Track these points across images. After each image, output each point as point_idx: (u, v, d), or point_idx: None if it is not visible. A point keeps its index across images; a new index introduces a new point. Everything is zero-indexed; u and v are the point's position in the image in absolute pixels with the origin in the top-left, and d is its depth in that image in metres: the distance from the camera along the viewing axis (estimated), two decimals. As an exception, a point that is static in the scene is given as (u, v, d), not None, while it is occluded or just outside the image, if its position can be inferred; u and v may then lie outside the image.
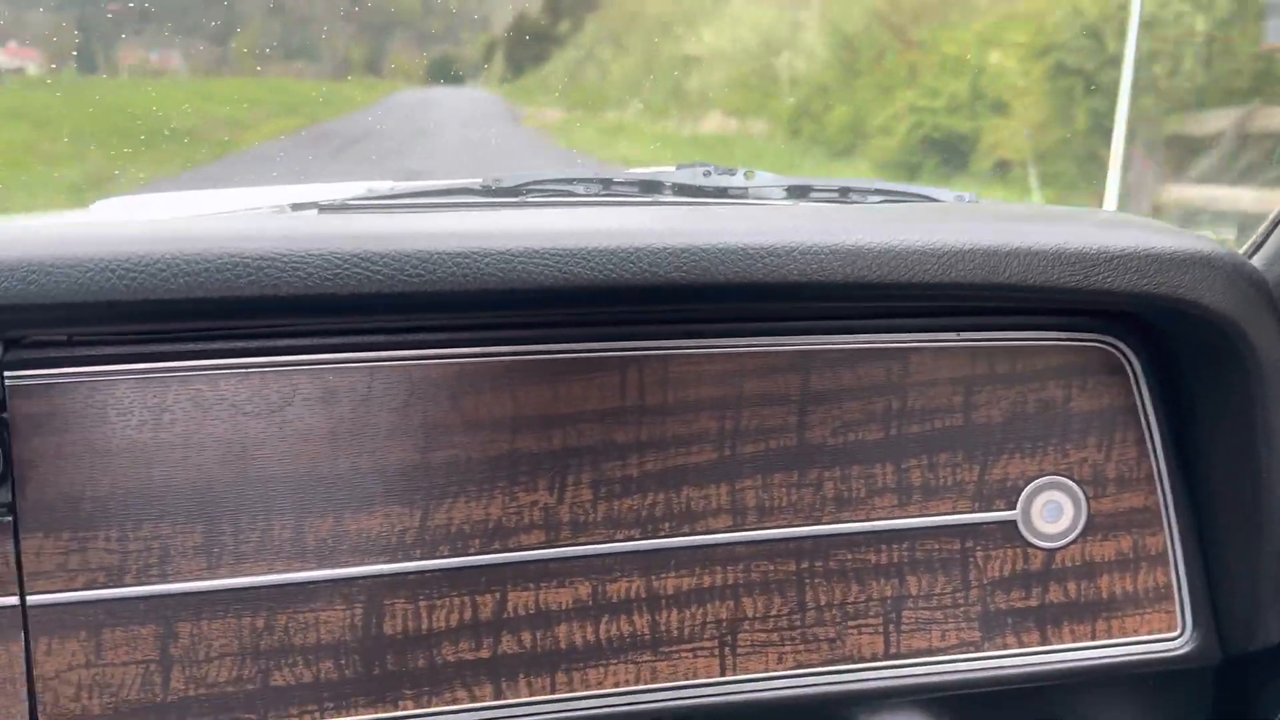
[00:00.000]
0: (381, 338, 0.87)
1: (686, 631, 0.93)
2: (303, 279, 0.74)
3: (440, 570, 0.89)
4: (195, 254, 0.73)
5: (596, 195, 1.17)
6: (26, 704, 0.83)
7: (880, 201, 1.19)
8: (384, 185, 1.25)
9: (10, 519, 0.82)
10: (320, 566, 0.87)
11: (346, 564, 0.87)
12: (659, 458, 0.91)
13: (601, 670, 0.91)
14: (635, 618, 0.92)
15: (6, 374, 0.82)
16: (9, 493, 0.82)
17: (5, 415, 0.82)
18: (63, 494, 0.83)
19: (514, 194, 1.16)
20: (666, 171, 1.22)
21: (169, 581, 0.85)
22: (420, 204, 1.14)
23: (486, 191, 1.17)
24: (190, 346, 0.84)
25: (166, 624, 0.85)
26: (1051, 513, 0.98)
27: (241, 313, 0.76)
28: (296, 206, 1.21)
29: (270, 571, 0.86)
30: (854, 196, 1.19)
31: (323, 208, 1.16)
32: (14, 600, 0.83)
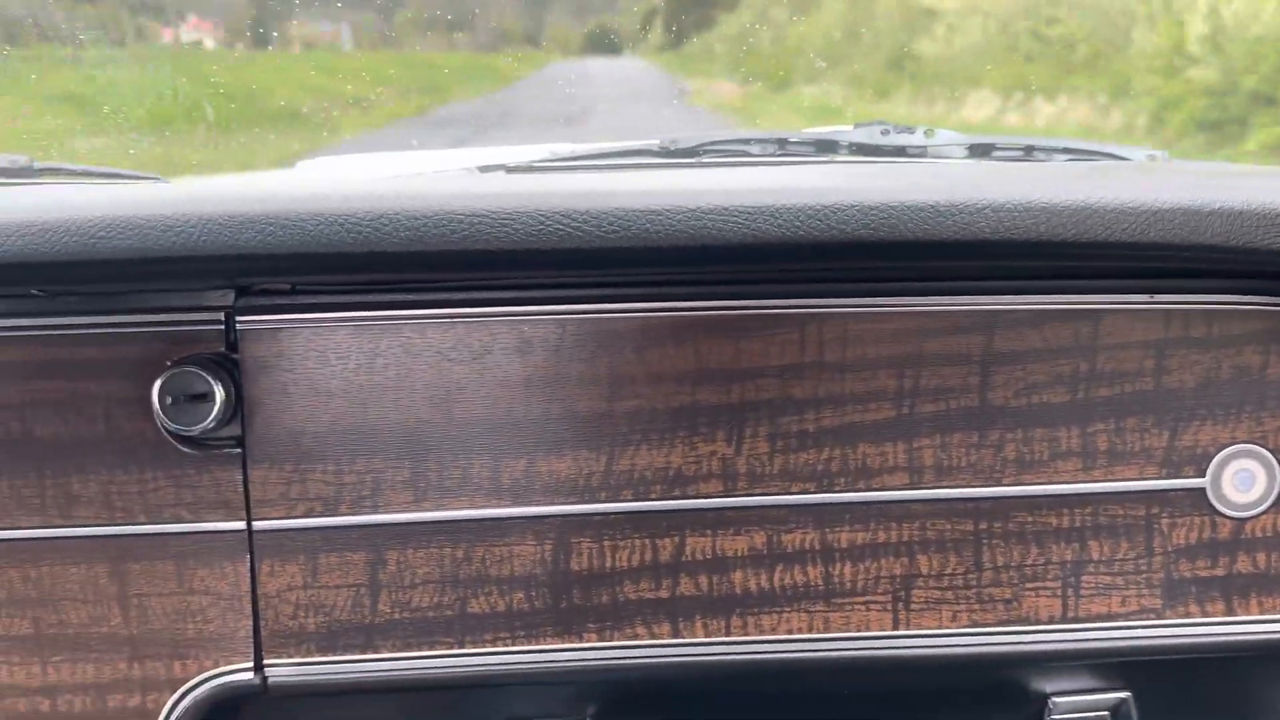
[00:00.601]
0: (573, 291, 0.91)
1: (860, 584, 0.94)
2: (510, 234, 0.79)
3: (623, 513, 0.93)
4: (415, 210, 0.78)
5: (772, 155, 1.19)
6: (251, 619, 0.92)
7: (1067, 160, 1.16)
8: (565, 148, 1.30)
9: (239, 451, 0.91)
10: (514, 504, 0.92)
11: (538, 503, 0.92)
12: (836, 414, 0.93)
13: (775, 617, 0.94)
14: (809, 568, 0.94)
15: (238, 319, 0.90)
16: (239, 427, 0.91)
17: (236, 357, 0.90)
18: (286, 430, 0.91)
19: (691, 155, 1.19)
20: (843, 130, 1.22)
21: (379, 512, 0.92)
22: (601, 165, 1.18)
23: (664, 153, 1.20)
24: (401, 297, 0.90)
25: (376, 551, 0.92)
26: (1243, 481, 0.95)
27: (452, 265, 0.81)
28: (484, 168, 1.27)
29: (469, 507, 0.92)
30: (1039, 155, 1.17)
31: (510, 169, 1.21)
32: (242, 525, 0.91)
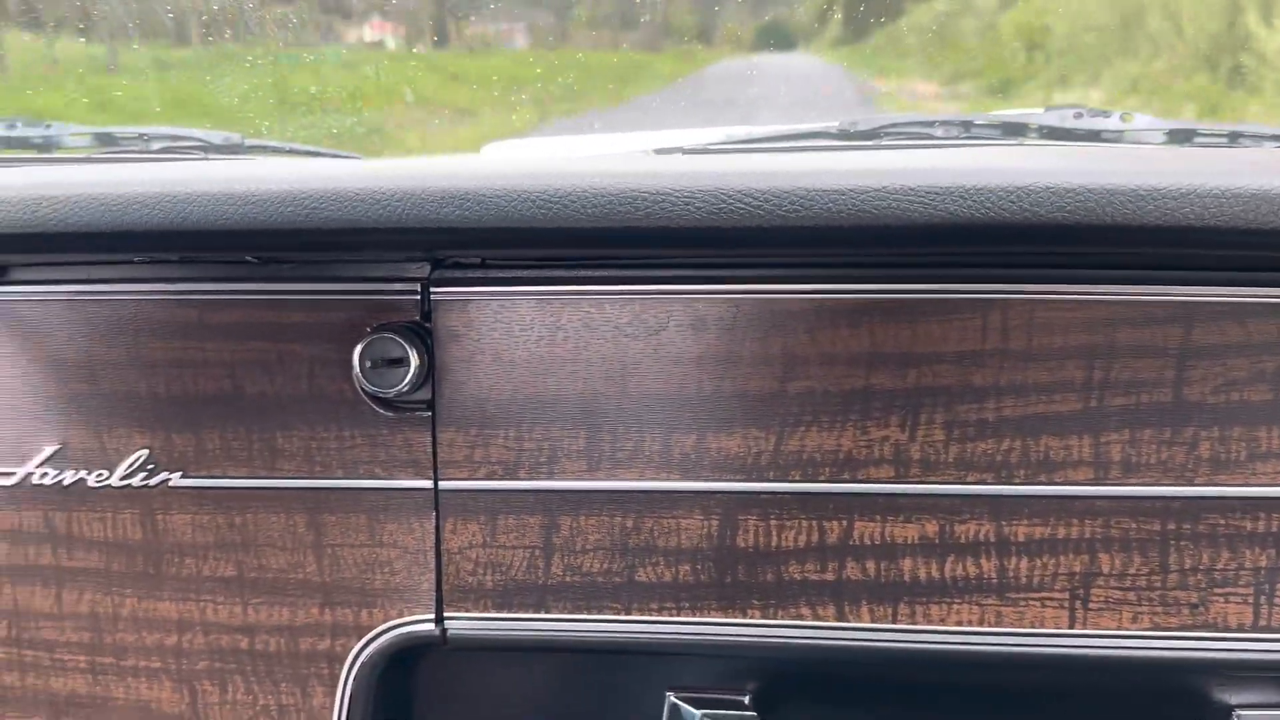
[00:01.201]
0: (748, 271, 0.92)
1: (1036, 580, 0.92)
2: (693, 213, 0.80)
3: (791, 493, 0.93)
4: (602, 188, 0.81)
5: (957, 138, 1.16)
6: (434, 574, 0.97)
7: (1276, 147, 1.09)
8: (741, 130, 1.31)
9: (429, 414, 0.96)
10: (684, 478, 0.94)
11: (706, 478, 0.94)
12: (1018, 404, 0.90)
13: (945, 607, 0.93)
14: (983, 561, 0.92)
15: (433, 290, 0.95)
16: (429, 392, 0.96)
17: (429, 325, 0.95)
18: (472, 396, 0.95)
19: (871, 137, 1.17)
20: (1033, 114, 1.18)
21: (554, 479, 0.95)
22: (778, 147, 1.18)
23: (843, 135, 1.19)
24: (582, 273, 0.93)
25: (550, 516, 0.96)
26: None
27: (635, 242, 0.83)
28: (660, 151, 1.29)
29: (640, 479, 0.94)
30: (1245, 141, 1.10)
31: (687, 151, 1.23)
32: (429, 484, 0.97)
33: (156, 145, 1.37)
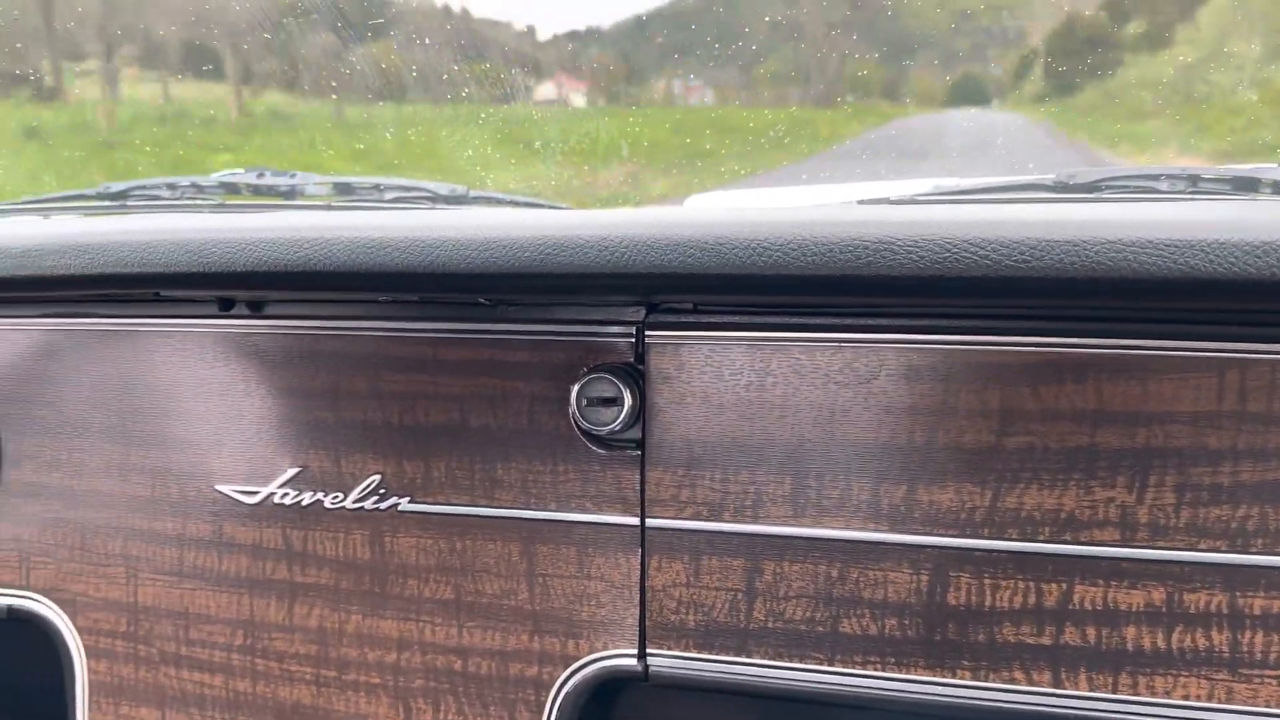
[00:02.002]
0: (964, 321, 0.91)
1: (1274, 657, 0.86)
2: (916, 261, 0.80)
3: (1007, 552, 0.91)
4: (823, 237, 0.82)
5: (1182, 192, 1.12)
6: (638, 609, 0.99)
7: None
8: (949, 181, 1.30)
9: (639, 453, 0.99)
10: (891, 530, 0.93)
11: (916, 531, 0.93)
12: (1256, 468, 0.86)
13: (1170, 679, 0.88)
14: (1214, 633, 0.87)
15: (647, 333, 0.98)
16: (640, 431, 0.99)
17: (642, 367, 0.99)
18: (680, 437, 0.98)
19: (1090, 189, 1.14)
20: (1267, 168, 1.12)
21: (759, 523, 0.96)
22: (991, 199, 1.17)
23: (1060, 187, 1.16)
24: (793, 319, 0.95)
25: (754, 560, 0.96)
26: None
27: (855, 290, 0.84)
28: (864, 202, 1.30)
29: (847, 527, 0.94)
30: None
31: (894, 202, 1.23)
32: (636, 521, 0.99)
33: (390, 195, 1.47)
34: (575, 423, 0.99)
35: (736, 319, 0.97)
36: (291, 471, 1.08)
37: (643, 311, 0.99)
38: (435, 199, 1.47)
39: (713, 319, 0.97)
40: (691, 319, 0.98)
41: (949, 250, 0.80)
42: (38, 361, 1.16)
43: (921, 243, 0.81)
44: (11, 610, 1.16)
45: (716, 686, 0.98)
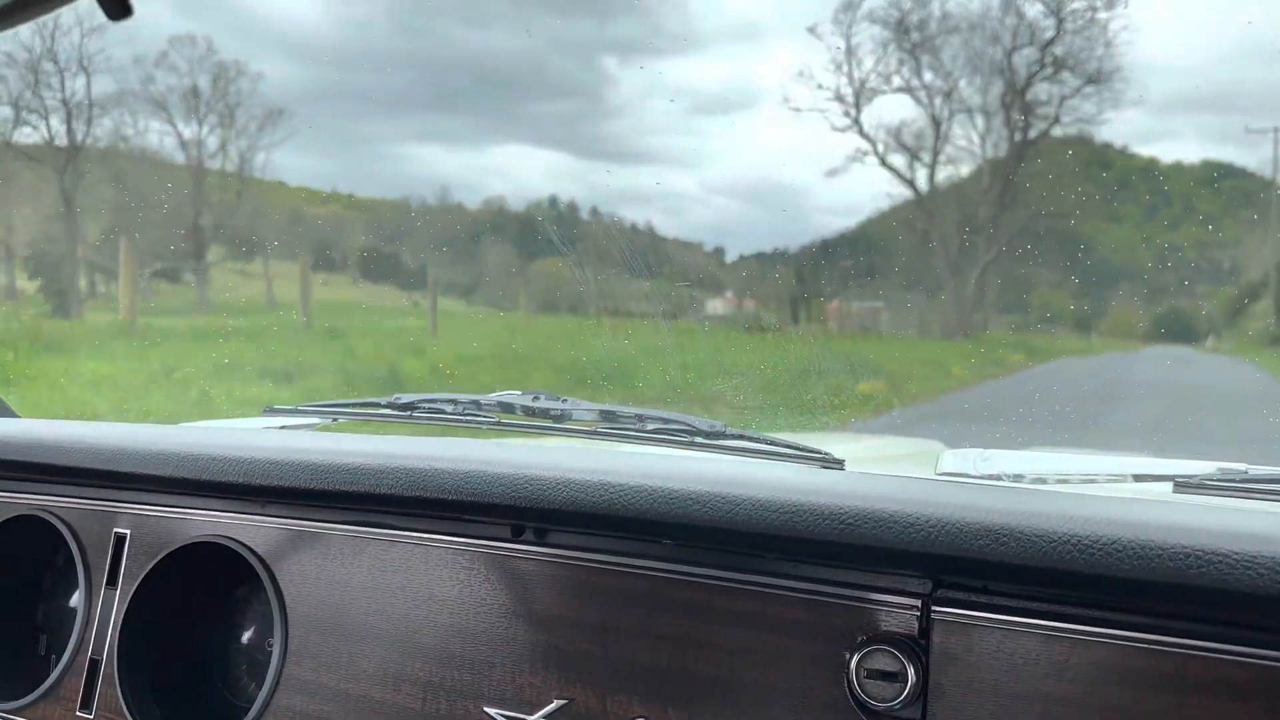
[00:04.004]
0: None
1: None
2: (1253, 578, 0.77)
3: None
4: (1147, 541, 0.80)
5: None
6: None
7: None
8: (1237, 467, 1.24)
9: None
10: None
11: None
12: None
13: None
14: None
15: (933, 609, 0.97)
16: (919, 711, 0.95)
17: (925, 643, 0.96)
18: None
19: None
20: None
21: None
22: None
23: None
24: (1096, 613, 0.91)
25: None
26: None
27: (1183, 600, 0.81)
28: (1140, 477, 1.25)
29: None
30: None
31: (1179, 484, 1.18)
32: None
33: (650, 426, 1.54)
34: (851, 693, 0.97)
35: (1031, 604, 0.94)
36: (557, 703, 1.10)
37: (929, 585, 0.98)
38: (694, 433, 1.52)
39: (1006, 600, 0.95)
40: (983, 599, 0.96)
41: None
42: (334, 563, 1.25)
43: (1260, 559, 0.77)
44: None
45: None
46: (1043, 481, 1.32)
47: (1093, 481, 1.31)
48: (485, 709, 1.13)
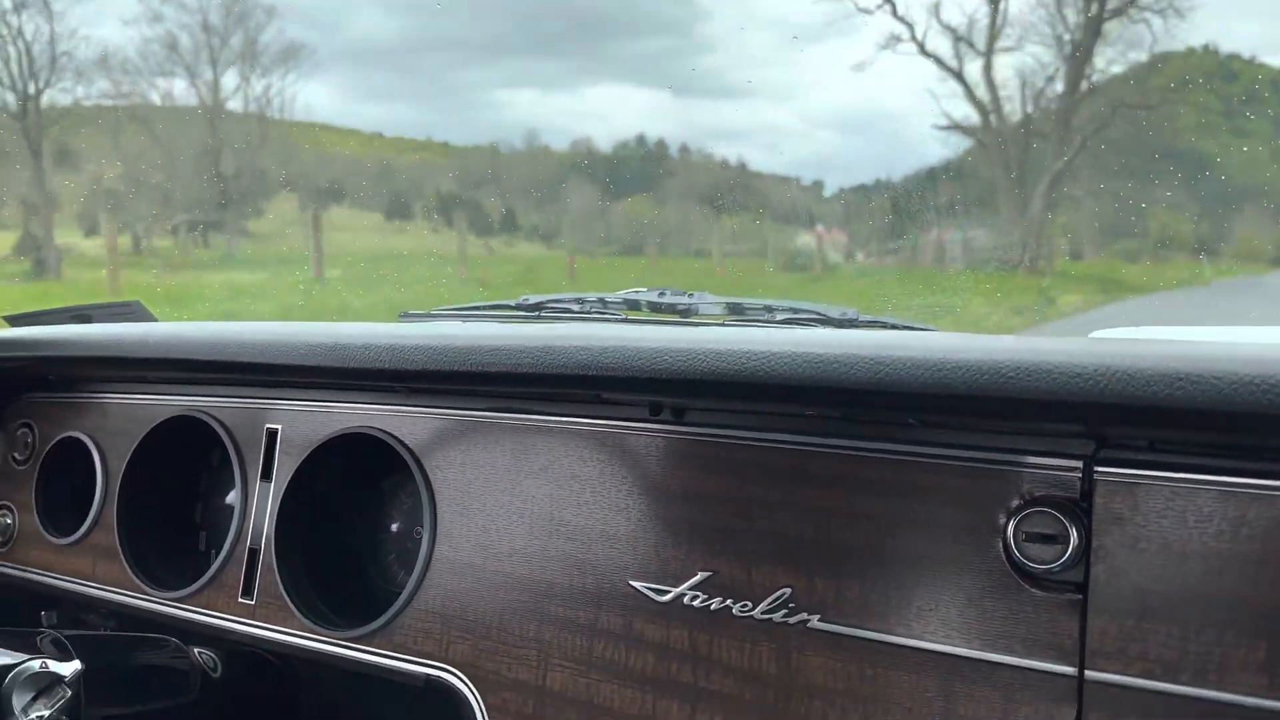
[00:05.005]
0: None
1: None
2: None
3: None
4: None
5: None
6: None
7: None
8: None
9: (1080, 598, 0.93)
10: None
11: None
12: None
13: None
14: None
15: (1095, 470, 0.93)
16: (1082, 574, 0.93)
17: (1087, 505, 0.93)
18: (1132, 584, 0.90)
19: None
20: None
21: (1225, 690, 0.86)
22: None
23: None
24: (1276, 466, 0.86)
25: None
26: None
27: None
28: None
29: None
30: None
31: None
32: (1073, 670, 0.92)
33: (780, 316, 1.52)
34: (1008, 556, 0.95)
35: (1205, 460, 0.89)
36: (702, 575, 1.10)
37: (1092, 446, 0.94)
38: (825, 321, 1.49)
39: (1174, 459, 0.91)
40: (1149, 457, 0.92)
41: None
42: (478, 449, 1.27)
43: None
44: (429, 681, 1.25)
45: None
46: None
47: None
48: (631, 583, 1.14)
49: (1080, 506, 0.93)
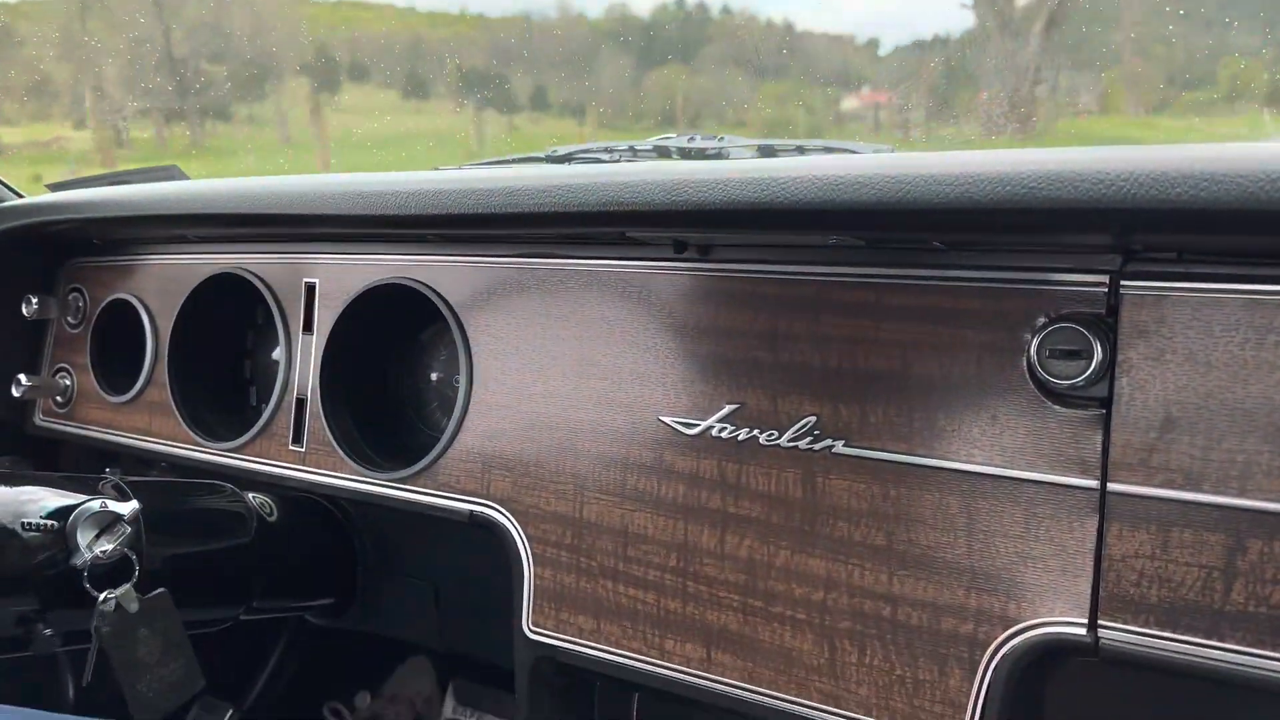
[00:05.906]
0: None
1: None
2: None
3: None
4: None
5: None
6: (1091, 577, 0.93)
7: None
8: None
9: (1104, 412, 0.93)
10: None
11: None
12: None
13: None
14: None
15: (1122, 284, 0.92)
16: (1106, 388, 0.93)
17: (1113, 320, 0.93)
18: (1156, 396, 0.90)
19: None
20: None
21: (1246, 496, 0.87)
22: None
23: None
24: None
25: (1236, 537, 0.87)
26: None
27: None
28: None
29: None
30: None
31: None
32: (1094, 484, 0.93)
33: (812, 156, 1.49)
34: (1032, 374, 0.95)
35: (1232, 269, 0.88)
36: (729, 408, 1.12)
37: (1118, 260, 0.93)
38: (858, 155, 1.46)
39: (1202, 269, 0.89)
40: (1177, 269, 0.90)
41: None
42: (509, 296, 1.29)
43: None
44: (473, 515, 1.30)
45: (1178, 669, 0.91)
46: None
47: None
48: (660, 418, 1.17)
49: (1105, 322, 0.93)
